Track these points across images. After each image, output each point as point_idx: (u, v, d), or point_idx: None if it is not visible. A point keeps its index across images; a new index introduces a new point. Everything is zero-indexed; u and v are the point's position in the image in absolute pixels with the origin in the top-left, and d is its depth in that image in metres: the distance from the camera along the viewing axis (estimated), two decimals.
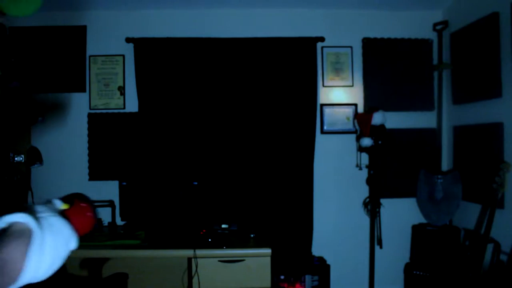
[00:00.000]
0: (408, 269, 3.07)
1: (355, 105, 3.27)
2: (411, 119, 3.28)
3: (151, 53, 3.12)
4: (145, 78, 3.11)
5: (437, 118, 3.26)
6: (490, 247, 2.53)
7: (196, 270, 2.49)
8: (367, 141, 3.01)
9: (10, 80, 2.78)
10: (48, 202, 0.70)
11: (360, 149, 3.14)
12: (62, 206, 0.72)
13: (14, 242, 0.58)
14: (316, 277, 3.00)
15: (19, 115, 2.83)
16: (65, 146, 3.14)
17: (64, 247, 0.65)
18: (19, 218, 0.61)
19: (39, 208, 0.66)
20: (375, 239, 3.13)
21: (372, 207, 3.10)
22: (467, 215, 2.98)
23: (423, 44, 3.29)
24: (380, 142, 3.02)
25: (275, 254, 2.81)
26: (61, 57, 3.14)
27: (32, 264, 0.58)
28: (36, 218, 0.62)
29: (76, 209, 0.72)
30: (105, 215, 3.07)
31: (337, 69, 3.27)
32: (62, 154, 3.14)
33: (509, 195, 2.53)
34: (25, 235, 0.59)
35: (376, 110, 3.03)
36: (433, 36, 3.30)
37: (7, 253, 0.56)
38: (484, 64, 2.75)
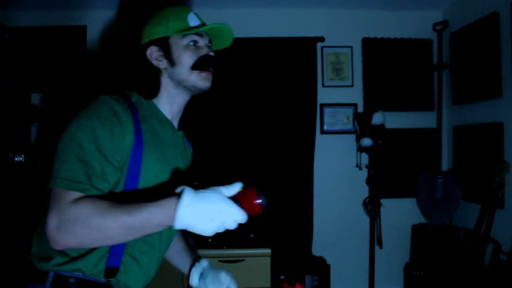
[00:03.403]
0: (408, 269, 3.07)
1: (355, 105, 3.26)
2: (411, 119, 3.28)
3: None
4: None
5: (437, 118, 3.26)
6: (490, 247, 2.53)
7: None
8: (367, 141, 3.01)
9: (9, 80, 2.78)
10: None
11: (360, 149, 3.14)
12: (239, 188, 0.95)
13: (174, 198, 0.89)
14: (316, 277, 3.00)
15: (17, 115, 2.83)
16: None
17: (213, 212, 0.88)
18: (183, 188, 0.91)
19: (213, 188, 0.94)
20: (375, 239, 3.13)
21: (372, 207, 3.10)
22: (467, 215, 2.98)
23: (423, 44, 3.29)
24: (380, 142, 3.02)
25: (275, 254, 2.81)
26: (61, 57, 3.14)
27: (180, 214, 0.86)
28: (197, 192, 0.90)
29: (245, 193, 0.94)
30: None
31: (337, 69, 3.27)
32: None
33: (509, 195, 2.53)
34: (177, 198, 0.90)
35: (376, 110, 3.03)
36: (433, 36, 3.30)
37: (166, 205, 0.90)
38: (484, 64, 2.75)
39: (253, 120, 3.14)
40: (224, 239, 2.68)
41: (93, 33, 3.17)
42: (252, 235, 2.77)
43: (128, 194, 1.02)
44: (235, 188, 0.95)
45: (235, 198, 0.93)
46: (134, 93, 1.15)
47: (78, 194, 0.91)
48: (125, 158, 1.00)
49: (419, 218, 3.21)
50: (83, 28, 3.16)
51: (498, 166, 2.51)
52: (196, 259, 1.31)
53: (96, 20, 3.17)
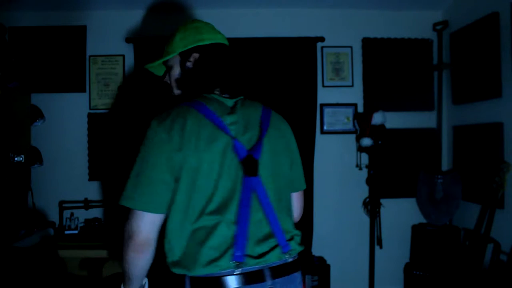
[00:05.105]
0: (408, 269, 3.07)
1: (355, 105, 3.27)
2: (411, 119, 3.28)
3: (151, 53, 3.12)
4: (145, 78, 3.11)
5: (437, 118, 3.26)
6: (490, 247, 2.53)
7: None
8: (367, 141, 3.01)
9: (9, 80, 2.78)
10: None
11: (360, 149, 3.14)
12: None
13: None
14: (316, 277, 3.00)
15: (17, 115, 2.83)
16: (65, 146, 3.14)
17: None
18: None
19: None
20: (375, 239, 3.13)
21: (372, 207, 3.10)
22: (467, 215, 2.98)
23: (423, 44, 3.29)
24: (380, 142, 3.02)
25: None
26: (61, 57, 3.14)
27: None
28: None
29: None
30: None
31: (337, 69, 3.27)
32: (62, 154, 3.13)
33: (509, 195, 2.53)
34: None
35: (376, 110, 3.03)
36: (433, 36, 3.30)
37: None
38: (484, 64, 2.75)
39: None
40: None
41: (93, 33, 3.17)
42: None
43: None
44: None
45: None
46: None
47: None
48: None
49: (419, 218, 3.21)
50: (83, 28, 3.16)
51: (498, 166, 2.51)
52: None
53: (96, 20, 3.17)
